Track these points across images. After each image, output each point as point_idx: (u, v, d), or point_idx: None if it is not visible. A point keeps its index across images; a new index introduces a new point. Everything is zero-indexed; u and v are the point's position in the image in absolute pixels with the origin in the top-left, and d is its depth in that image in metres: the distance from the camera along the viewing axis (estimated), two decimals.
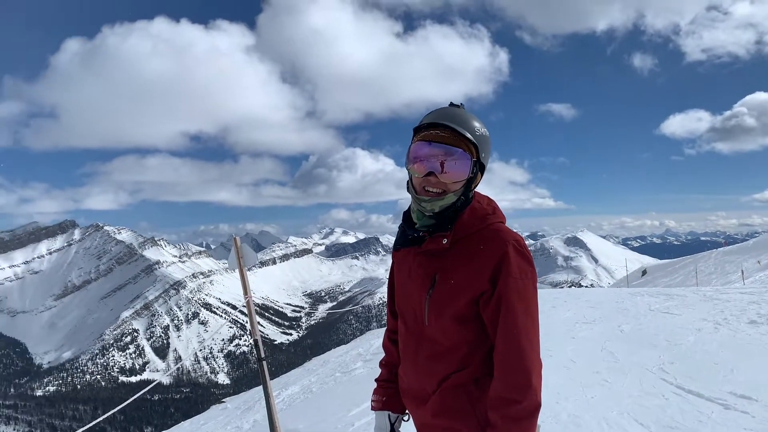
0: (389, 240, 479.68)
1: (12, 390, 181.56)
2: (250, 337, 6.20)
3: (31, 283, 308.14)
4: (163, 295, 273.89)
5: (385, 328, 2.21)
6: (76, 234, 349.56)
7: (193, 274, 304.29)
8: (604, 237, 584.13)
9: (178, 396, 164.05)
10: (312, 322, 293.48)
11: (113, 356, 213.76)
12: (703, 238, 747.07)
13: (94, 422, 4.99)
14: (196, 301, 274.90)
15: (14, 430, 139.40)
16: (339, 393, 7.68)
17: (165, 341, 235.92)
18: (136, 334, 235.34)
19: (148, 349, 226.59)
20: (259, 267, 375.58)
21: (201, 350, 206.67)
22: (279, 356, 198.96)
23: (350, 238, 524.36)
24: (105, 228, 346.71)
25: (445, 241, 1.76)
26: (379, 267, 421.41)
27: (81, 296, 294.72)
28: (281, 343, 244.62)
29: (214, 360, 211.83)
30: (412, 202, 1.85)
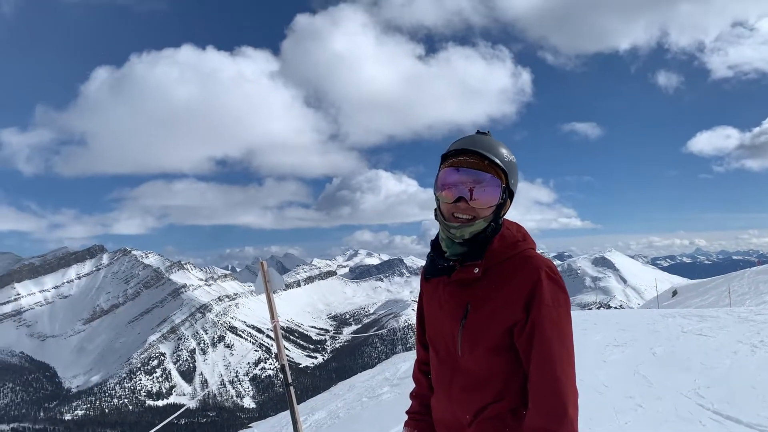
0: (413, 261, 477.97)
1: (41, 414, 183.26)
2: (275, 360, 6.21)
3: (61, 307, 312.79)
4: (189, 319, 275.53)
5: (410, 352, 2.09)
6: (105, 259, 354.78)
7: (218, 297, 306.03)
8: (632, 257, 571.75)
9: (204, 420, 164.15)
10: (337, 345, 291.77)
11: (140, 380, 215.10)
12: (735, 257, 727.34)
13: None
14: (222, 324, 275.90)
15: None
16: (366, 418, 7.61)
17: (191, 365, 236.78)
18: (162, 357, 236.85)
19: (174, 373, 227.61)
20: (284, 290, 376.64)
21: (227, 374, 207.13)
22: (304, 380, 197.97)
23: (374, 260, 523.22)
24: (132, 252, 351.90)
25: (476, 270, 1.74)
26: (404, 289, 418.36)
27: (109, 320, 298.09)
28: (306, 367, 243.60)
29: (240, 384, 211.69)
30: (440, 230, 1.83)
